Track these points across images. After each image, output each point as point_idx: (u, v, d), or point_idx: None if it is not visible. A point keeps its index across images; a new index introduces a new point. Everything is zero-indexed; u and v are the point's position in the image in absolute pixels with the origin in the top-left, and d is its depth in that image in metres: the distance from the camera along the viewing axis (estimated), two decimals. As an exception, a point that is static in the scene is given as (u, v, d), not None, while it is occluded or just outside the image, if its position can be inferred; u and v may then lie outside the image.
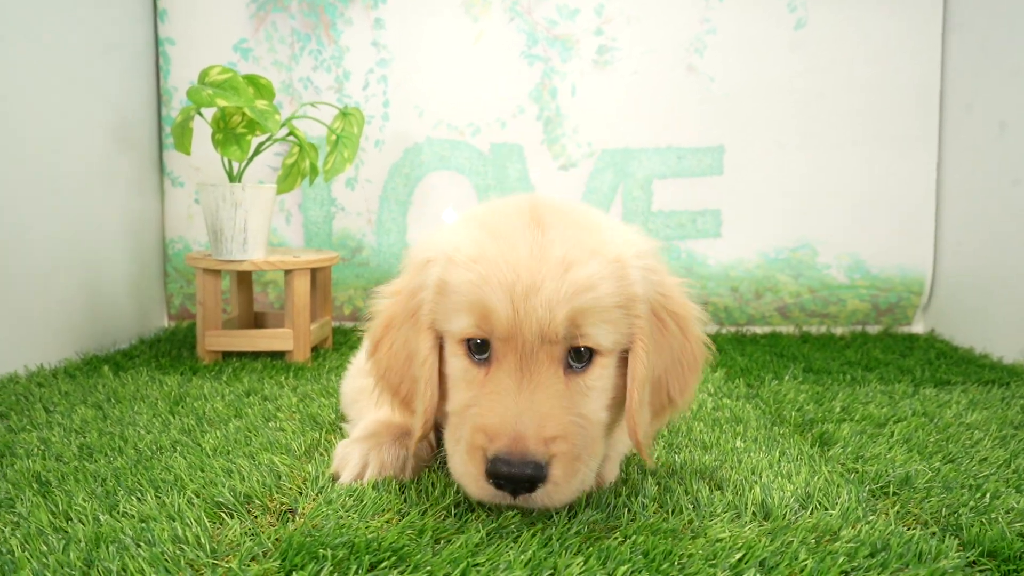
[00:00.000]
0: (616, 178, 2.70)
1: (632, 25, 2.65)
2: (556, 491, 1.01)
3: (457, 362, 1.10)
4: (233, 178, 2.11)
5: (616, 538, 1.00)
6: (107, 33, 2.35)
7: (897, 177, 2.67)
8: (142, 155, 2.57)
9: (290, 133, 2.15)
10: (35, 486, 1.16)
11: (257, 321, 2.46)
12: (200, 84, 1.98)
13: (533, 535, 1.00)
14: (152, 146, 2.64)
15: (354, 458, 1.21)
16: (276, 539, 1.01)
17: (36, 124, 1.98)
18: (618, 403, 1.11)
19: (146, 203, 2.61)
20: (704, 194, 2.70)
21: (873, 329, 2.74)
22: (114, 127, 2.37)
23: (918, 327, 2.76)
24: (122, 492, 1.13)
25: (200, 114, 2.07)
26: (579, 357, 1.06)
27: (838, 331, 2.72)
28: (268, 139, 2.13)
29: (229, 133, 2.02)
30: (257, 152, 2.11)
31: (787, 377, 1.98)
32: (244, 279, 2.39)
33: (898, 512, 1.11)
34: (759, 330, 2.75)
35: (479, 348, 1.07)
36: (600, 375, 1.07)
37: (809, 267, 2.71)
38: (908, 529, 1.05)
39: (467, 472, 1.03)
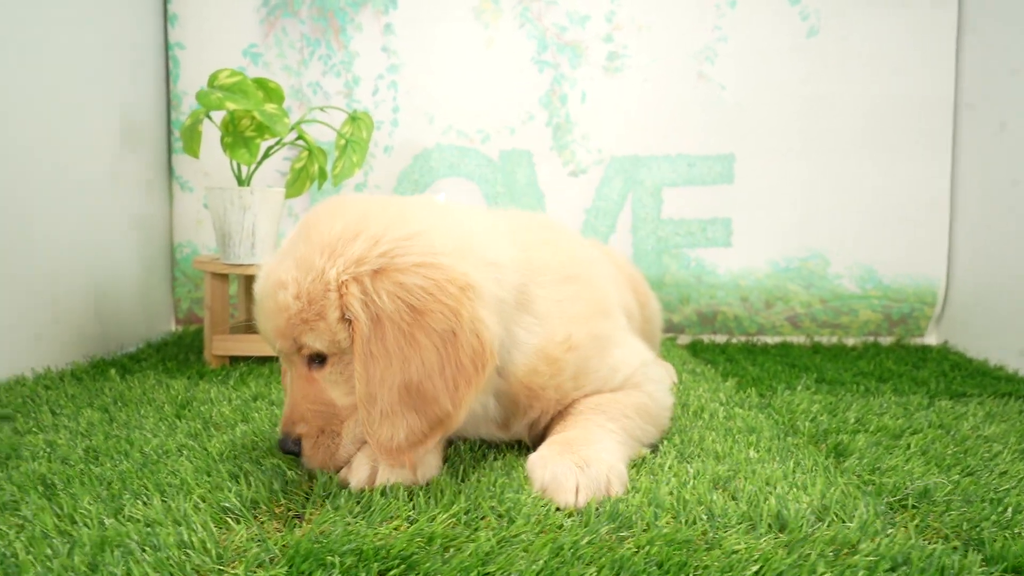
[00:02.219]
0: (626, 185, 2.68)
1: (642, 32, 2.64)
2: (311, 457, 1.23)
3: None
4: (242, 182, 2.10)
5: (629, 548, 0.98)
6: (117, 37, 2.35)
7: (910, 186, 2.65)
8: (151, 159, 2.57)
9: (299, 137, 2.14)
10: (40, 489, 1.15)
11: (264, 326, 2.44)
12: (209, 87, 1.97)
13: (545, 544, 0.98)
14: (161, 150, 2.64)
15: (363, 464, 1.19)
16: (283, 545, 0.99)
17: (46, 127, 1.97)
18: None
19: (155, 207, 2.60)
20: (714, 202, 2.69)
21: (885, 340, 2.71)
22: (123, 131, 2.37)
23: (931, 338, 2.73)
24: (128, 496, 1.12)
25: (209, 118, 2.06)
26: (321, 357, 1.21)
27: (849, 342, 2.70)
28: (277, 143, 2.12)
29: (238, 136, 2.01)
30: (266, 156, 2.11)
31: (799, 387, 1.95)
32: (251, 284, 2.37)
33: (918, 526, 1.09)
34: (769, 340, 2.72)
35: None
36: (332, 370, 1.21)
37: (820, 277, 2.69)
38: (929, 543, 1.02)
39: None
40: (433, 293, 1.12)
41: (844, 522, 1.08)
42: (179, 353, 2.26)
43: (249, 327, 2.35)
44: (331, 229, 1.18)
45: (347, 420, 1.23)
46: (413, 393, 1.13)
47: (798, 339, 2.72)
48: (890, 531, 1.06)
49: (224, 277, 2.14)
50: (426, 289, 1.12)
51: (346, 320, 1.14)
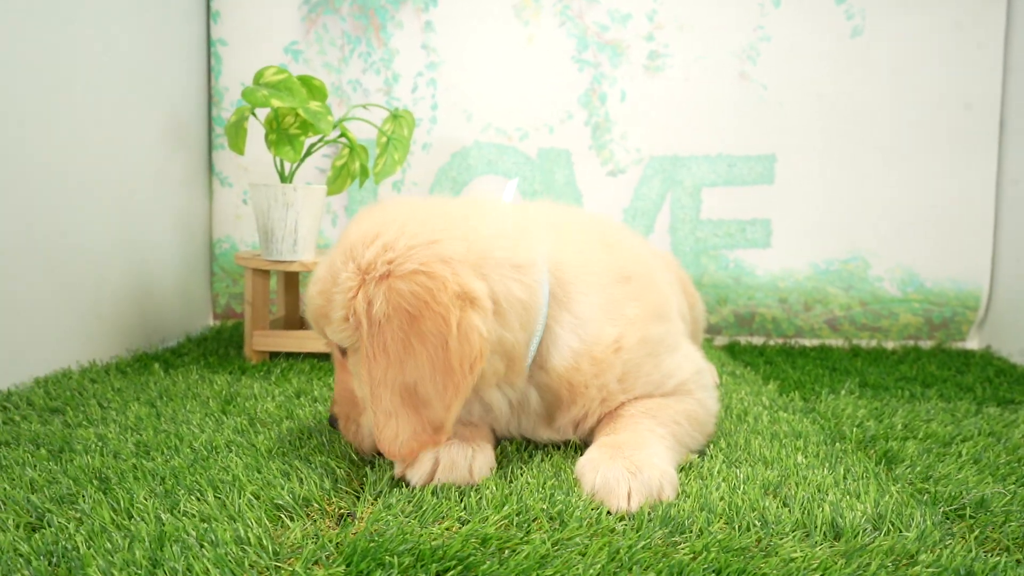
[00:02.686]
0: (664, 185, 2.66)
1: (684, 31, 2.62)
2: (344, 433, 1.35)
3: None
4: (284, 178, 2.12)
5: (685, 554, 0.98)
6: (163, 34, 2.37)
7: (954, 188, 2.61)
8: (192, 155, 2.59)
9: (342, 135, 2.15)
10: (95, 483, 1.16)
11: (302, 322, 2.46)
12: (255, 85, 1.99)
13: (601, 548, 0.97)
14: (202, 146, 2.66)
15: (425, 457, 1.19)
16: (338, 543, 0.99)
17: (92, 123, 2.00)
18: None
19: (195, 203, 2.63)
20: (754, 203, 2.66)
21: (925, 344, 2.67)
22: (167, 127, 2.39)
23: (972, 343, 2.69)
24: (182, 491, 1.13)
25: (254, 115, 2.08)
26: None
27: (889, 345, 2.66)
28: (320, 140, 2.13)
29: (282, 134, 2.02)
30: (308, 153, 2.11)
31: (843, 392, 1.93)
32: (291, 280, 2.39)
33: (977, 537, 1.07)
34: (807, 342, 2.69)
35: None
36: (354, 362, 1.27)
37: (861, 279, 2.65)
38: (990, 555, 1.01)
39: None
40: (426, 300, 1.16)
41: (901, 531, 1.07)
42: (219, 348, 2.28)
43: (288, 323, 2.37)
44: (356, 232, 1.26)
45: (365, 411, 1.30)
46: (412, 394, 1.18)
47: (836, 342, 2.69)
48: (948, 542, 1.04)
49: (265, 273, 2.16)
50: (418, 296, 1.16)
51: (348, 321, 1.21)
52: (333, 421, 1.36)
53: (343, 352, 1.30)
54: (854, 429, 1.58)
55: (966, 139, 2.59)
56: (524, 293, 1.25)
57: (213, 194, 2.72)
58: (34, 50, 1.78)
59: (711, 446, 1.44)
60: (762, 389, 1.94)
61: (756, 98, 2.63)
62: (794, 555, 0.98)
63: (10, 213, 1.71)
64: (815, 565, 0.95)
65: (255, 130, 2.23)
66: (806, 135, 2.62)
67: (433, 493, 1.14)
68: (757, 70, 2.62)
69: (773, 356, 2.42)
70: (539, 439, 1.42)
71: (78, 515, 1.05)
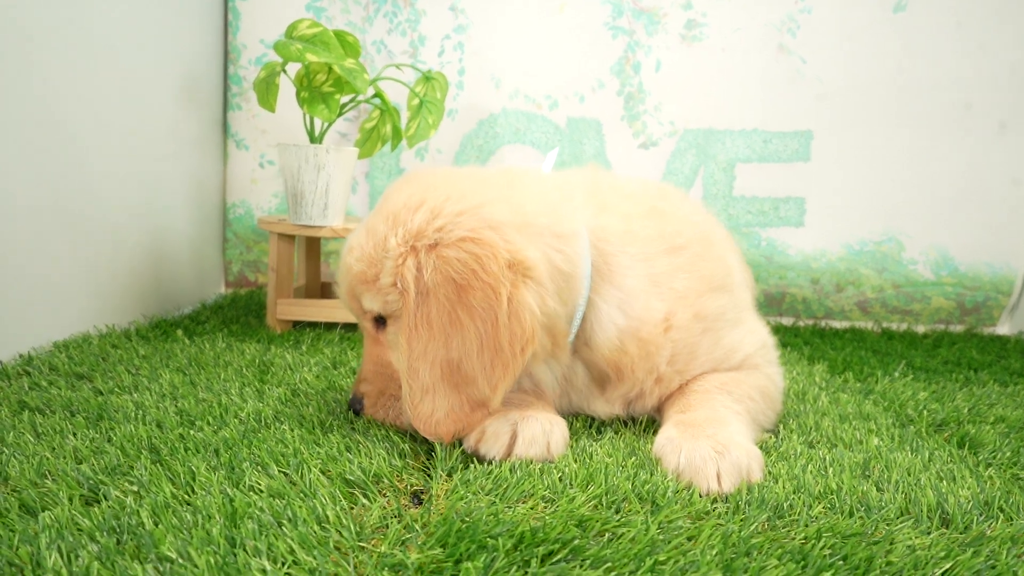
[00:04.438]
0: (698, 160, 2.58)
1: (723, 1, 2.53)
2: (373, 413, 1.26)
3: None
4: (314, 139, 2.01)
5: (800, 539, 0.91)
6: (181, -15, 2.25)
7: (992, 169, 2.55)
8: (207, 115, 2.47)
9: (376, 95, 2.05)
10: (146, 453, 1.07)
11: (323, 291, 2.37)
12: (288, 38, 1.88)
13: (710, 533, 0.90)
14: (217, 106, 2.54)
15: (502, 430, 1.12)
16: (423, 523, 0.91)
17: (107, 83, 1.87)
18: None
19: (209, 165, 2.51)
20: (789, 181, 2.59)
21: (955, 329, 2.62)
22: (182, 86, 2.27)
23: (1003, 328, 2.64)
24: (245, 465, 1.04)
25: (284, 71, 1.97)
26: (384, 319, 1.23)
27: (919, 329, 2.61)
28: (352, 100, 2.03)
29: (315, 92, 1.92)
30: (340, 113, 2.01)
31: (896, 374, 1.87)
32: (313, 247, 2.29)
33: (1097, 526, 1.01)
34: (837, 324, 2.64)
35: None
36: (392, 331, 1.21)
37: (894, 261, 2.59)
38: (1122, 545, 0.95)
39: None
40: (474, 269, 1.10)
41: (1013, 520, 1.01)
42: (238, 316, 2.18)
43: (309, 291, 2.28)
44: (397, 199, 1.21)
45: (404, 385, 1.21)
46: (454, 371, 1.12)
47: (865, 324, 2.63)
48: (1069, 531, 0.98)
49: (290, 239, 2.06)
50: (466, 264, 1.10)
51: (397, 287, 1.15)
52: (355, 403, 1.27)
53: (380, 323, 1.23)
54: (922, 412, 1.52)
55: (1008, 119, 2.52)
56: (566, 265, 1.19)
57: (228, 157, 2.60)
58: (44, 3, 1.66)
59: (782, 426, 1.38)
60: (812, 370, 1.88)
61: (794, 72, 2.54)
62: (914, 543, 0.92)
63: (26, 177, 1.60)
64: (942, 555, 0.88)
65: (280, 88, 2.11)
66: (844, 112, 2.55)
67: (511, 470, 1.07)
68: (796, 43, 2.53)
69: (809, 337, 2.36)
70: (595, 413, 1.35)
71: (135, 488, 0.96)
